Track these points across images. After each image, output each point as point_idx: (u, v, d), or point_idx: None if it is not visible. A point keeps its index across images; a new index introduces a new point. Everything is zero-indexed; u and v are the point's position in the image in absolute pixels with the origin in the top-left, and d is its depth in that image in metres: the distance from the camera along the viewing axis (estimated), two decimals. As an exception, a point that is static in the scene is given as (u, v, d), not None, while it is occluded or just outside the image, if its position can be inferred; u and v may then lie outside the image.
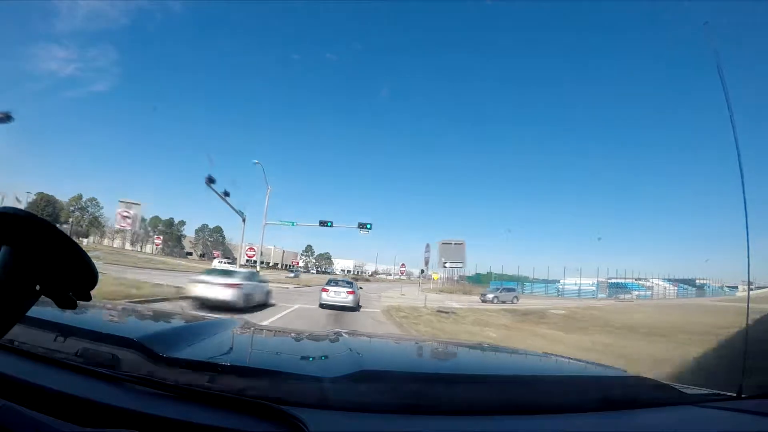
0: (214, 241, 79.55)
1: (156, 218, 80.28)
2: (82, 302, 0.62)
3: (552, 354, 2.04)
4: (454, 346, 2.25)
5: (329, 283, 16.10)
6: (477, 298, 33.03)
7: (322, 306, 14.83)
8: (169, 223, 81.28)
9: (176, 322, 1.81)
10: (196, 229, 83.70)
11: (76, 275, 0.58)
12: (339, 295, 14.94)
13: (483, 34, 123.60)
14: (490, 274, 55.11)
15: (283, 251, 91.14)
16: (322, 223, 29.21)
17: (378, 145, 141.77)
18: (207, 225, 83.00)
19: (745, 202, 1.69)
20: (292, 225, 30.56)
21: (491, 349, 2.22)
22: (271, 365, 1.08)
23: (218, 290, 11.35)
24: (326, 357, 1.40)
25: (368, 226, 29.28)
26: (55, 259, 0.55)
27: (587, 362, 1.76)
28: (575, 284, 49.50)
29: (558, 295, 46.64)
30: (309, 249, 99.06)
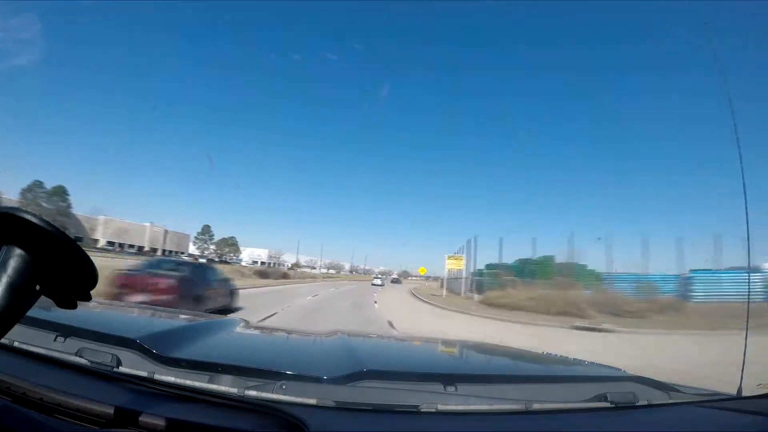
0: (53, 210, 50.23)
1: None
2: (82, 302, 0.62)
3: (552, 354, 2.04)
4: (455, 346, 2.24)
5: (374, 277, 53.96)
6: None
7: (373, 285, 42.05)
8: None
9: (176, 322, 1.82)
10: (23, 189, 50.75)
11: (76, 275, 0.58)
12: (378, 281, 46.55)
13: (483, 34, 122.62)
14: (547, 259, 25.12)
15: (166, 231, 62.53)
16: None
17: (373, 148, 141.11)
18: (41, 182, 50.27)
19: (745, 202, 1.68)
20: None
21: (492, 349, 2.21)
22: (271, 365, 1.07)
23: None
24: (326, 357, 1.40)
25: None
26: (55, 259, 0.54)
27: (587, 362, 1.76)
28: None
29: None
30: (207, 231, 69.65)
